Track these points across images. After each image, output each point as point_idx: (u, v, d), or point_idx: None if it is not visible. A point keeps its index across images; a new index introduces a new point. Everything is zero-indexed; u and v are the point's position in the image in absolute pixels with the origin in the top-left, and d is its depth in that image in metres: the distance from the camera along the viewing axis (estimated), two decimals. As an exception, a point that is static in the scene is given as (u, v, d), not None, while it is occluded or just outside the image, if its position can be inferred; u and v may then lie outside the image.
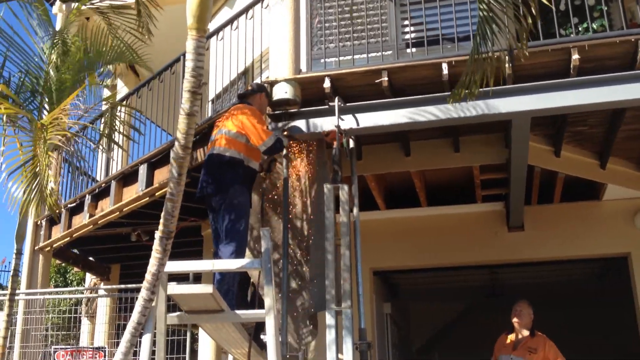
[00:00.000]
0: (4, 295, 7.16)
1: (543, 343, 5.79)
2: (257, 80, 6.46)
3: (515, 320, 5.95)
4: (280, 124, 5.68)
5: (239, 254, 4.93)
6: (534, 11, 4.62)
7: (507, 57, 5.26)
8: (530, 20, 4.65)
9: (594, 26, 6.32)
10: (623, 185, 7.28)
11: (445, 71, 5.47)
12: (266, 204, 5.76)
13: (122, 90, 11.09)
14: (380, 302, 8.86)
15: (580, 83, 5.29)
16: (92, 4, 6.66)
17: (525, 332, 5.91)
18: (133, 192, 6.93)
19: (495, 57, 4.77)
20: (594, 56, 5.42)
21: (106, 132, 6.60)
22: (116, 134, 6.93)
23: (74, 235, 8.18)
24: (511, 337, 6.03)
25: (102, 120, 7.39)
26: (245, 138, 5.18)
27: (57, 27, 10.18)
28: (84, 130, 7.17)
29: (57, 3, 10.47)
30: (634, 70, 5.34)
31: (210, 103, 8.15)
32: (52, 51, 6.26)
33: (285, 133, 5.59)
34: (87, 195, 7.76)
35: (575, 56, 5.31)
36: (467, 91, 4.75)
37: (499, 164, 6.65)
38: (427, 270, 8.77)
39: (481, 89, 4.86)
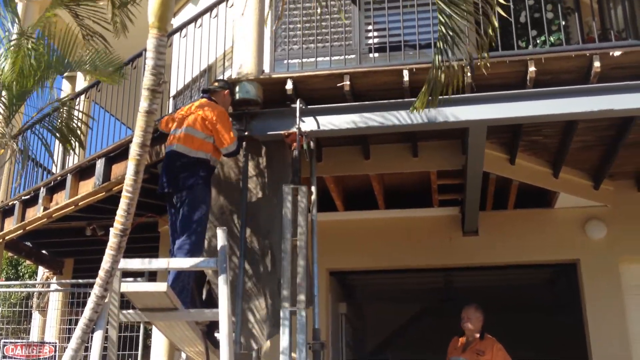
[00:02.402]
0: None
1: (491, 346, 5.91)
2: (220, 78, 6.45)
3: (464, 325, 6.06)
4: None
5: (195, 251, 4.92)
6: (495, 22, 4.72)
7: (468, 67, 5.35)
8: (490, 31, 4.75)
9: (552, 39, 6.48)
10: (574, 194, 7.49)
11: (406, 78, 5.55)
12: (225, 203, 5.77)
13: (82, 79, 10.91)
14: (336, 302, 8.92)
15: (536, 95, 5.43)
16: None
17: (476, 335, 6.03)
18: (90, 186, 6.84)
19: (457, 66, 4.85)
20: (550, 69, 5.56)
21: (57, 132, 6.39)
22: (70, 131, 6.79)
23: (27, 228, 8.03)
24: (462, 339, 6.15)
25: (59, 113, 7.27)
26: (212, 139, 5.19)
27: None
28: (40, 124, 7.03)
29: (20, -8, 10.23)
30: (587, 84, 5.51)
31: (171, 99, 8.10)
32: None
33: (246, 133, 5.61)
34: (42, 188, 7.63)
35: (532, 68, 5.45)
36: (430, 98, 4.82)
37: (455, 169, 6.78)
38: (383, 272, 8.86)
39: (440, 97, 4.95)
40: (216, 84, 5.63)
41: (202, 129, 5.17)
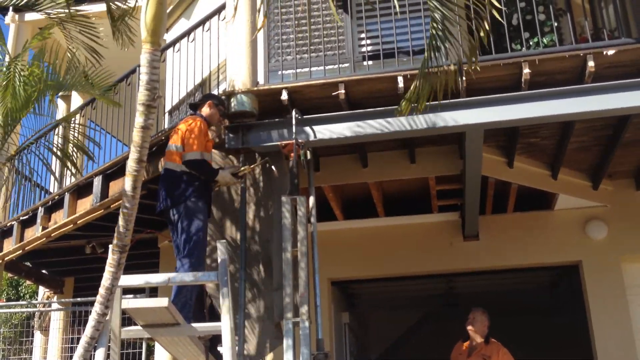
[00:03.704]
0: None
1: (497, 350, 5.88)
2: (215, 92, 6.46)
3: (469, 328, 6.04)
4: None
5: (196, 267, 4.90)
6: (486, 26, 4.71)
7: (458, 72, 5.35)
8: (483, 34, 4.74)
9: (545, 41, 6.49)
10: (574, 195, 7.48)
11: (400, 84, 5.54)
12: (224, 216, 5.75)
13: (77, 98, 10.90)
14: (339, 312, 8.89)
15: (531, 97, 5.43)
16: (49, 14, 6.43)
17: (480, 340, 6.00)
18: (88, 205, 6.82)
19: (444, 71, 4.83)
20: (544, 70, 5.56)
21: (58, 151, 6.35)
22: (70, 148, 6.76)
23: (26, 248, 8.00)
24: (466, 344, 6.11)
25: (55, 132, 7.26)
26: None
27: (10, 39, 10.01)
28: (37, 143, 7.01)
29: (10, 13, 10.23)
30: (582, 84, 5.50)
31: (167, 115, 8.10)
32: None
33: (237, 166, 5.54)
34: (40, 208, 7.61)
35: (526, 70, 5.44)
36: (415, 105, 4.81)
37: (454, 174, 6.77)
38: (385, 279, 8.83)
39: (435, 102, 4.95)
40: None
41: (180, 142, 5.16)
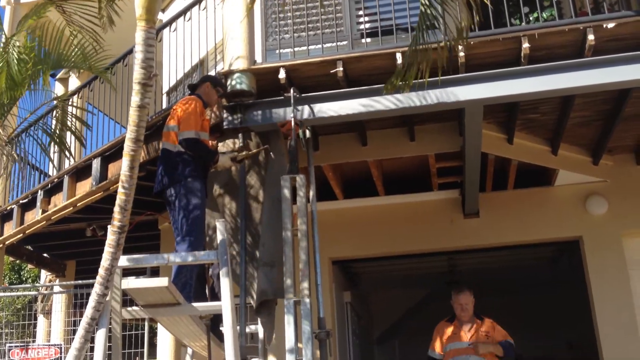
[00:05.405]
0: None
1: (492, 326, 5.92)
2: (212, 72, 6.40)
3: (463, 312, 5.97)
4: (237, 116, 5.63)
5: (195, 247, 4.88)
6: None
7: (459, 47, 5.30)
8: (472, 15, 4.69)
9: (544, 15, 6.44)
10: (574, 170, 7.47)
11: (399, 61, 5.48)
12: (221, 195, 5.73)
13: (74, 81, 10.87)
14: (340, 291, 8.91)
15: (531, 71, 5.37)
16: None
17: (467, 318, 5.97)
18: (87, 187, 6.81)
19: (434, 48, 4.77)
20: (544, 45, 5.51)
21: (57, 131, 6.30)
22: (68, 130, 6.72)
23: (27, 232, 8.01)
24: (455, 324, 6.05)
25: (53, 115, 7.22)
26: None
27: (6, 21, 9.95)
28: (34, 126, 6.97)
29: (5, -6, 10.17)
30: (582, 58, 5.46)
31: (165, 95, 8.05)
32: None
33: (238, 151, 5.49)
34: (39, 191, 7.61)
35: (526, 45, 5.40)
36: (405, 82, 4.75)
37: (453, 152, 6.74)
38: (386, 258, 8.85)
39: (435, 78, 4.90)
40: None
41: (177, 123, 5.12)
